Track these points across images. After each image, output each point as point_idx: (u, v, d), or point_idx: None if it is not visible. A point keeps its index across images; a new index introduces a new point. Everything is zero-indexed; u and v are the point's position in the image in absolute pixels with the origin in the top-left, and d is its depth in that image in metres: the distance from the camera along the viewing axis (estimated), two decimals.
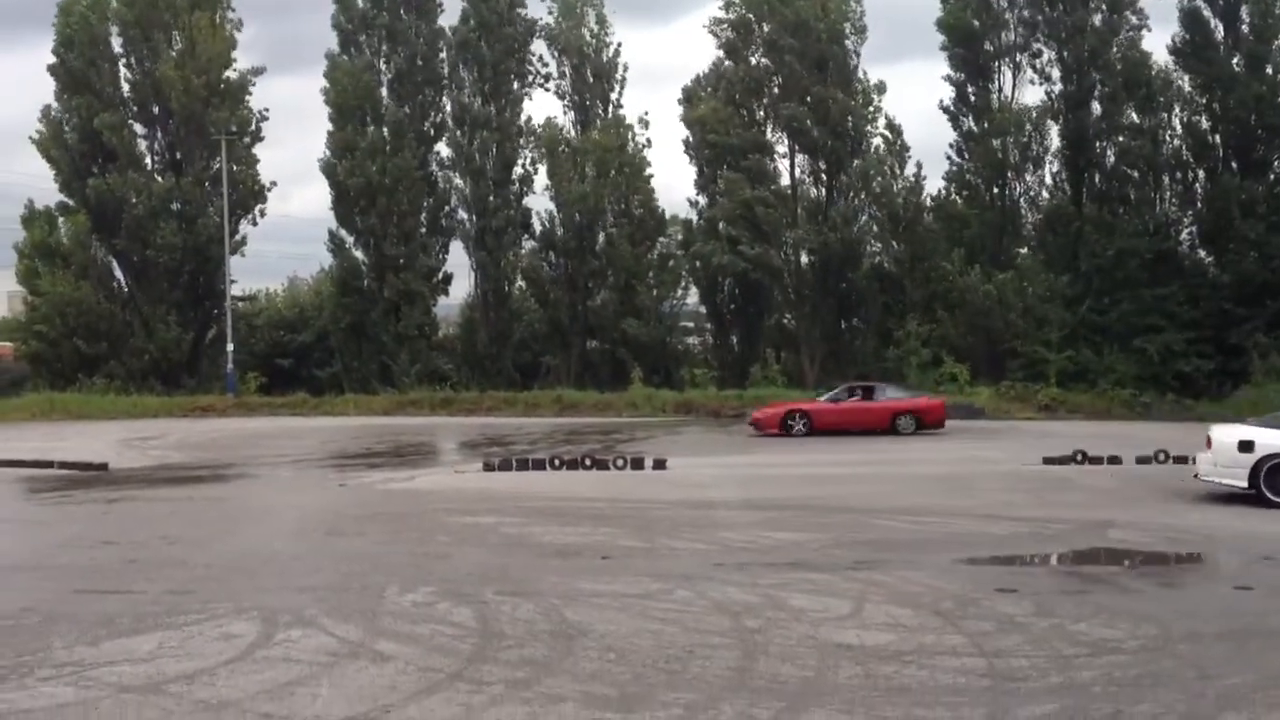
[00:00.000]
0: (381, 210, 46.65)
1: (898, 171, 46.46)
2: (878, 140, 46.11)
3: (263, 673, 7.28)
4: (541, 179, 48.28)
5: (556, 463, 20.89)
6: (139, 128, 47.70)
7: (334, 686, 6.96)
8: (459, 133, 48.32)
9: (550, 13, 48.81)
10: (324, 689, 6.91)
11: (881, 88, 45.91)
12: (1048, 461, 21.17)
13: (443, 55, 48.87)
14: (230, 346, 45.88)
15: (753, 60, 46.57)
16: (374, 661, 7.54)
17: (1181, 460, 20.82)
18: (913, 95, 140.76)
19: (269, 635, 8.26)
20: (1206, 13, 43.26)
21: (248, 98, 48.77)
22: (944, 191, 46.86)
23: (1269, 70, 42.52)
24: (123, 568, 11.29)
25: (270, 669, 7.36)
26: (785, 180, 46.61)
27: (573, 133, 48.30)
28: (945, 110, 46.20)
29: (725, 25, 46.77)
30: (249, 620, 8.77)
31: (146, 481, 20.03)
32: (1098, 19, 44.01)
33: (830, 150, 44.99)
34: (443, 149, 49.22)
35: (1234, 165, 43.44)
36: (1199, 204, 44.53)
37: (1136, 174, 44.60)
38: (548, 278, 48.13)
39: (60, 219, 47.42)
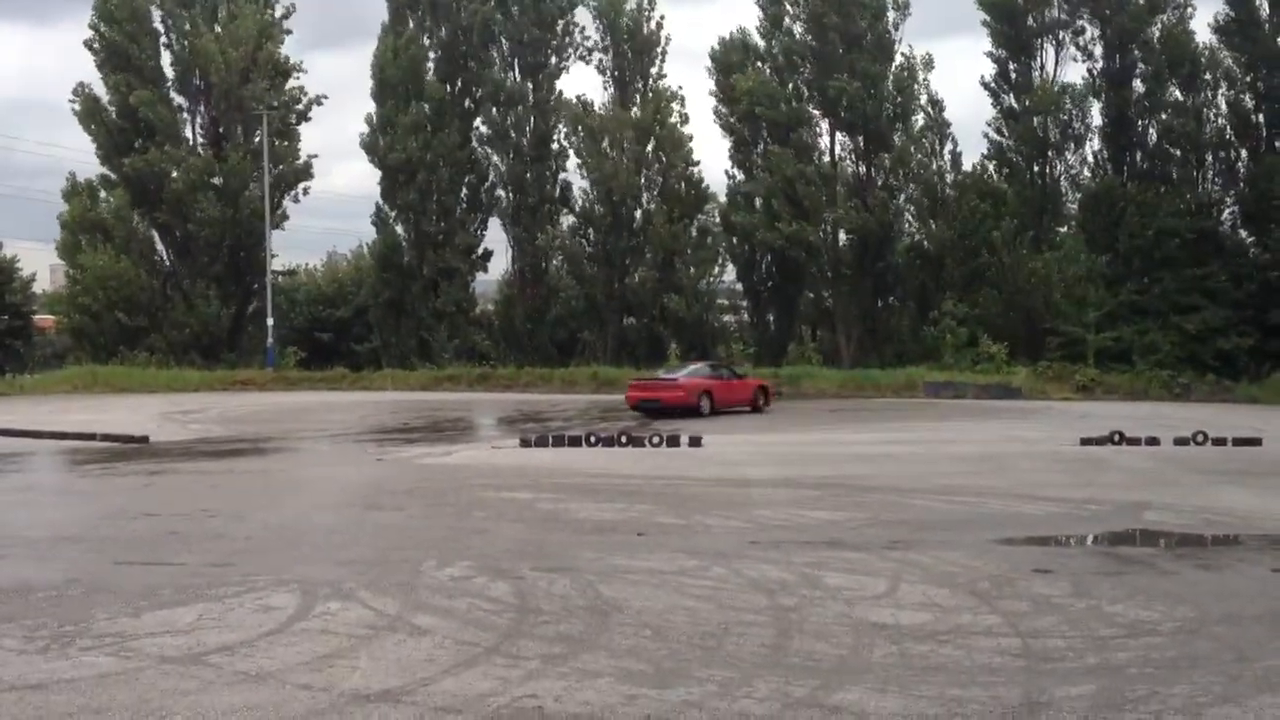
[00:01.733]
0: (422, 186, 46.85)
1: (937, 148, 46.14)
2: (919, 117, 45.78)
3: (302, 644, 7.35)
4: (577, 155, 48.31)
5: (593, 439, 20.94)
6: (181, 102, 48.07)
7: (372, 659, 7.03)
8: (495, 109, 48.35)
9: None
10: (362, 661, 6.98)
11: (929, 63, 45.46)
12: (1085, 442, 21.03)
13: (484, 29, 48.82)
14: (270, 321, 46.25)
15: (796, 33, 46.28)
16: (412, 635, 7.60)
17: (1220, 442, 20.67)
18: (952, 72, 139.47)
19: (308, 607, 8.35)
20: None
21: (295, 76, 49.11)
22: (979, 168, 46.55)
23: None
24: (164, 540, 11.43)
25: (309, 641, 7.44)
26: (825, 158, 46.43)
27: (611, 107, 48.15)
28: (986, 87, 45.93)
29: None
30: (288, 592, 8.86)
31: (187, 454, 20.26)
32: None
33: (871, 127, 44.69)
34: (481, 125, 49.36)
35: (1277, 145, 42.86)
36: (1241, 183, 44.02)
37: (1179, 153, 44.12)
38: (585, 254, 48.14)
39: (102, 193, 47.84)
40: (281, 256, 53.38)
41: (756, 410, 30.54)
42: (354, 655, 7.11)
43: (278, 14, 49.00)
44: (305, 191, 49.59)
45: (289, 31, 49.37)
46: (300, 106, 49.05)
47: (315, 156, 49.90)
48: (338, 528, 12.14)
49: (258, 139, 46.98)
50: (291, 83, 49.04)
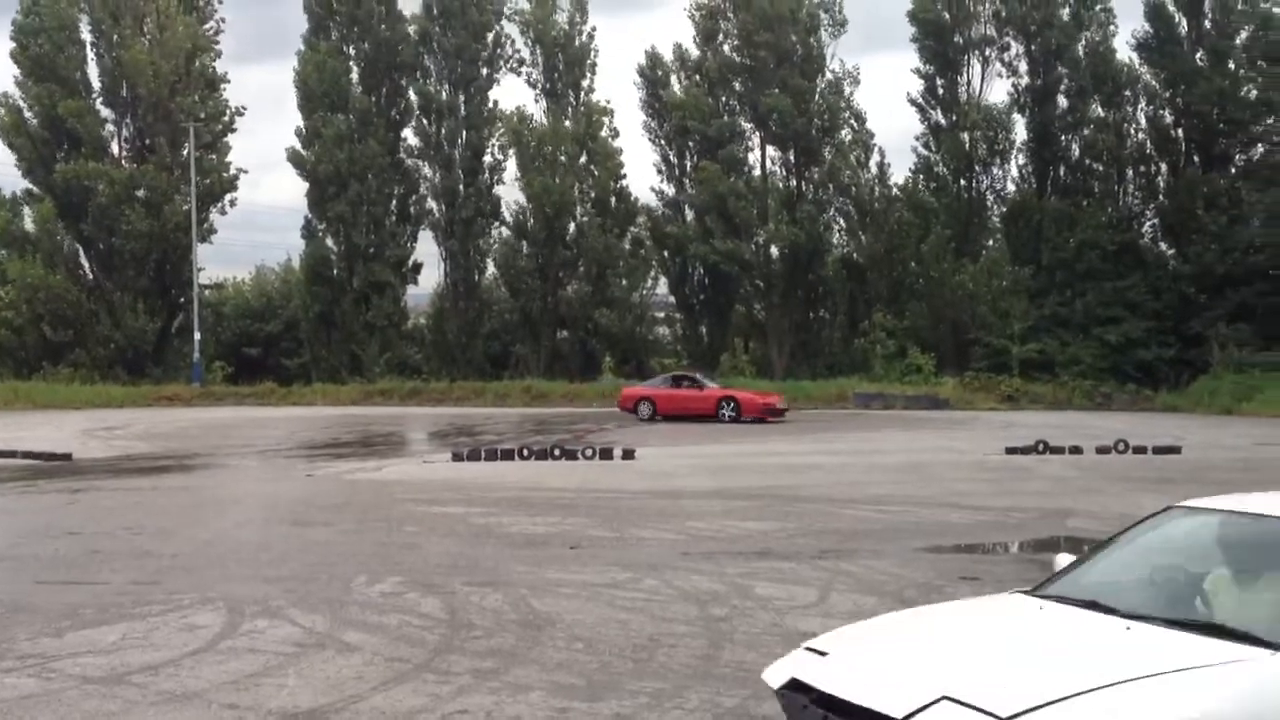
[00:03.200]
0: (351, 198, 46.44)
1: (864, 161, 46.76)
2: (845, 132, 46.36)
3: (228, 663, 7.27)
4: (512, 168, 48.26)
5: (525, 453, 20.90)
6: (107, 114, 47.43)
7: (300, 677, 6.96)
8: (425, 121, 48.16)
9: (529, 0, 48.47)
10: (290, 679, 6.91)
11: (857, 78, 46.03)
12: (1010, 451, 21.43)
13: (408, 42, 48.65)
14: (197, 335, 45.57)
15: (726, 50, 46.66)
16: (341, 652, 7.54)
17: (1141, 450, 21.15)
18: (882, 88, 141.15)
19: (234, 625, 8.25)
20: (1171, 8, 43.69)
21: (224, 87, 48.67)
22: (907, 182, 47.17)
23: (1231, 65, 43.05)
24: (87, 558, 11.23)
25: (236, 660, 7.35)
26: (755, 171, 46.90)
27: (543, 120, 48.11)
28: (914, 103, 46.50)
29: (701, 10, 46.89)
30: (214, 611, 8.75)
31: (111, 471, 19.90)
32: (1065, 13, 44.35)
33: (801, 142, 45.16)
34: (411, 136, 49.17)
35: (1196, 159, 43.94)
36: (1161, 197, 45.05)
37: (1100, 167, 45.03)
38: (520, 268, 48.00)
39: (25, 206, 46.95)
40: (209, 270, 52.74)
41: (720, 421, 30.62)
42: (281, 673, 7.04)
43: (207, 27, 48.51)
44: (232, 204, 49.15)
45: (219, 49, 48.84)
46: (226, 118, 48.56)
47: (245, 171, 49.51)
48: (265, 544, 12.01)
49: (185, 151, 46.37)
50: (218, 95, 48.53)
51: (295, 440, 26.58)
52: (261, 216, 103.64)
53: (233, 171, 48.82)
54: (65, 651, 7.58)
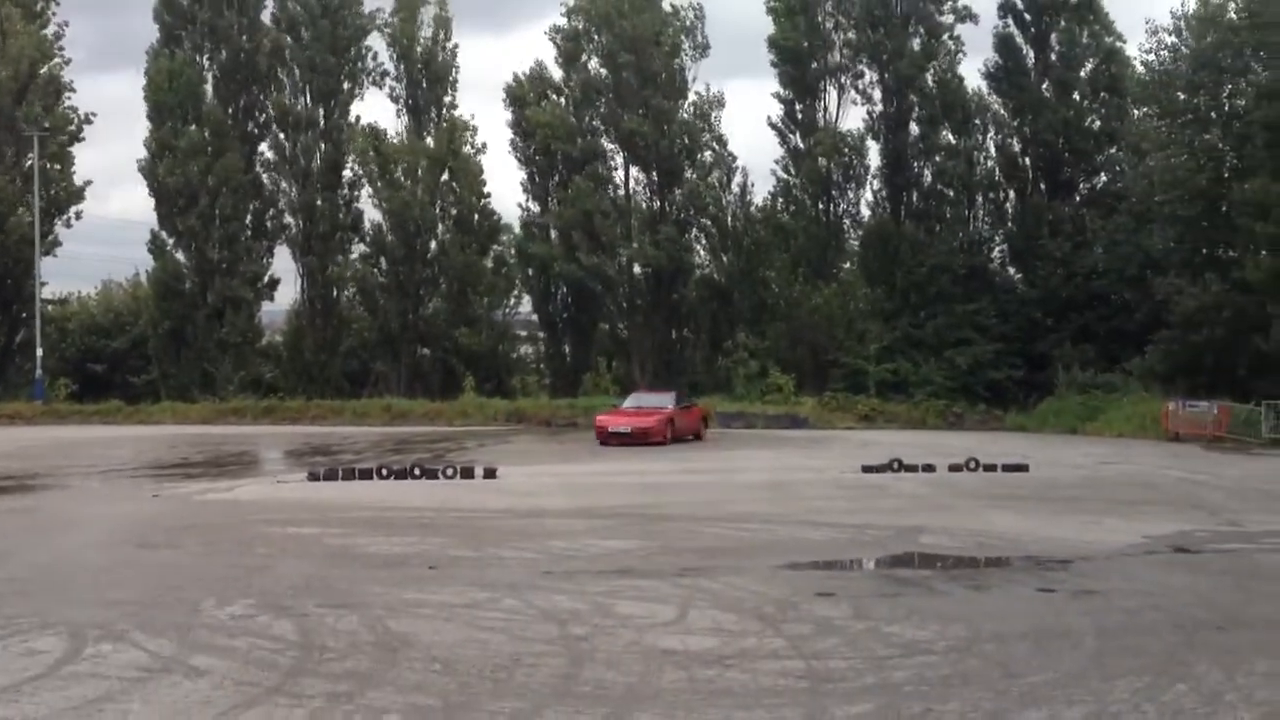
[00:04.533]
0: (203, 212, 45.12)
1: (726, 183, 47.30)
2: (708, 154, 46.81)
3: (70, 689, 6.98)
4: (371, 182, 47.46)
5: (384, 472, 20.55)
6: None
7: (145, 702, 6.73)
8: (282, 134, 47.15)
9: (392, 15, 47.79)
10: (135, 705, 6.68)
11: (720, 101, 46.55)
12: (866, 470, 21.86)
13: (266, 52, 47.63)
14: (39, 351, 43.82)
15: (591, 69, 46.75)
16: (188, 676, 7.30)
17: (991, 468, 21.82)
18: (745, 111, 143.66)
19: (77, 650, 7.93)
20: (1019, 39, 45.34)
21: (67, 96, 47.02)
22: (767, 204, 47.82)
23: (1076, 96, 44.83)
24: None
25: (78, 685, 7.07)
26: (620, 191, 47.07)
27: (404, 136, 47.51)
28: (774, 127, 47.19)
29: (561, 33, 46.91)
30: (55, 635, 8.40)
31: None
32: (916, 43, 45.54)
33: (663, 163, 45.49)
34: (268, 150, 48.07)
35: (1042, 186, 45.62)
36: (1009, 222, 46.60)
37: (952, 193, 46.34)
38: (377, 285, 47.26)
39: None
40: (53, 285, 50.80)
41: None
42: (126, 699, 6.80)
43: (50, 32, 46.81)
44: (78, 216, 47.44)
45: (66, 58, 47.19)
46: (73, 128, 46.87)
47: (90, 183, 47.91)
48: (109, 567, 11.58)
49: (29, 162, 44.59)
50: (64, 104, 46.89)
51: (142, 460, 25.71)
52: (111, 230, 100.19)
53: (79, 182, 47.24)
54: None
